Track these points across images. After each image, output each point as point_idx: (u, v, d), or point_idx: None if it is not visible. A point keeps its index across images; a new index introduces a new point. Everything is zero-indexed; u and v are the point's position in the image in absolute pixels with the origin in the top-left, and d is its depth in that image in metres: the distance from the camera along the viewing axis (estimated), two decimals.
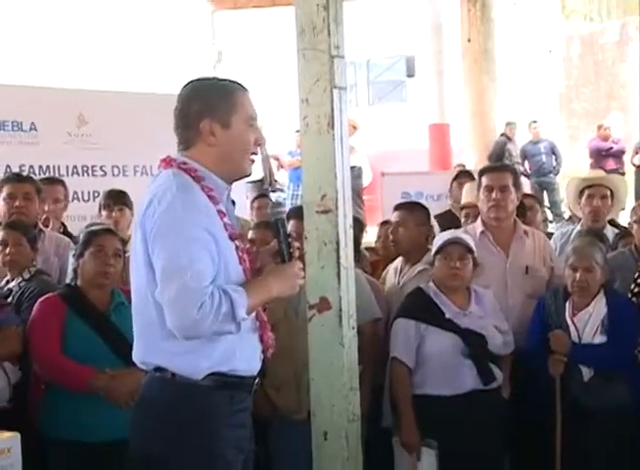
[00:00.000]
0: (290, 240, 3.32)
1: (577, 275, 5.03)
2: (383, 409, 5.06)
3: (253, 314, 3.27)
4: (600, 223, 6.22)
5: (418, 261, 5.49)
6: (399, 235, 5.60)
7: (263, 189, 13.17)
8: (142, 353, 3.27)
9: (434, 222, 5.90)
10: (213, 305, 3.00)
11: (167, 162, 3.25)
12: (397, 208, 5.80)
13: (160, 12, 19.36)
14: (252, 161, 3.35)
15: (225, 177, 3.27)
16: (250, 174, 3.42)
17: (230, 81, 3.35)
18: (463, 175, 8.65)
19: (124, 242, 5.85)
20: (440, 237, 5.09)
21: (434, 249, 5.02)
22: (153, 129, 7.89)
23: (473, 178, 8.34)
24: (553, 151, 16.65)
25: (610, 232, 6.21)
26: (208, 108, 3.21)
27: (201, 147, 3.24)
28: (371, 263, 6.30)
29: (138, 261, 3.19)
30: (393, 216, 5.71)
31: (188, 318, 2.99)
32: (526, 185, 15.31)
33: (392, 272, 5.68)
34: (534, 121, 16.98)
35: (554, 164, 16.52)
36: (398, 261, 5.72)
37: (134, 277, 3.27)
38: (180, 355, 3.14)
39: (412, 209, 5.77)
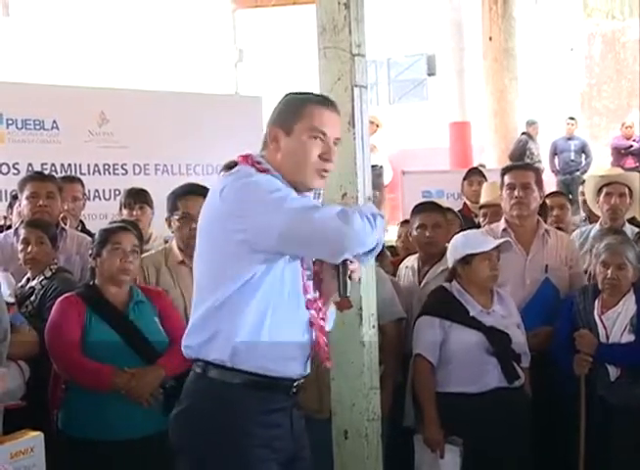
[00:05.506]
0: (348, 276, 3.21)
1: (609, 272, 4.98)
2: (405, 409, 5.05)
3: (306, 317, 3.29)
4: (618, 221, 6.16)
5: (438, 261, 5.46)
6: (440, 236, 5.52)
7: None
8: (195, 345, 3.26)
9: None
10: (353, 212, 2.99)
11: (244, 158, 3.28)
12: (426, 209, 5.70)
13: (182, 10, 19.41)
14: (321, 176, 3.24)
15: (291, 184, 3.22)
16: (313, 189, 3.28)
17: (315, 95, 3.37)
18: (472, 174, 8.66)
19: (145, 240, 5.88)
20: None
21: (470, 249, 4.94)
22: (174, 128, 7.91)
23: (483, 176, 8.38)
24: (583, 149, 16.48)
25: (629, 231, 6.14)
26: (277, 114, 3.28)
27: (269, 150, 3.26)
28: (391, 262, 6.27)
29: (209, 244, 3.18)
30: (424, 217, 5.57)
31: (343, 230, 2.95)
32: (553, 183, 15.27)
33: (409, 272, 5.64)
34: (572, 118, 16.81)
35: (582, 162, 16.40)
36: (412, 261, 5.68)
37: (200, 264, 3.26)
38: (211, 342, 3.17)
39: (442, 209, 5.74)
